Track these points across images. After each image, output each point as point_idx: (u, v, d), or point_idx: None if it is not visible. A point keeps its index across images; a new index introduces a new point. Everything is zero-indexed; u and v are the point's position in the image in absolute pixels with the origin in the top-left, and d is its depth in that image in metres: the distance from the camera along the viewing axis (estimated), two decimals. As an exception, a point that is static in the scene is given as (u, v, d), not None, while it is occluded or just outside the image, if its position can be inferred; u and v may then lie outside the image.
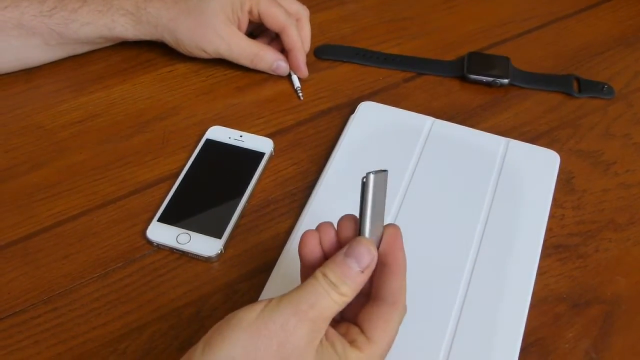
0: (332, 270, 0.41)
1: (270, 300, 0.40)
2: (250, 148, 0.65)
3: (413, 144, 0.65)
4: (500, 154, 0.64)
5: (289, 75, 0.73)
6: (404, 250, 0.44)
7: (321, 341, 0.40)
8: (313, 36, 0.74)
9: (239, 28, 0.71)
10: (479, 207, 0.60)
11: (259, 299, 0.54)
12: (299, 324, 0.39)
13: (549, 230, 0.59)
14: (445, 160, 0.63)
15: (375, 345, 0.42)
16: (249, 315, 0.39)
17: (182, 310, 0.54)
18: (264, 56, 0.71)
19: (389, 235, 0.43)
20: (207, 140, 0.66)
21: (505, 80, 0.72)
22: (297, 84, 0.72)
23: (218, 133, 0.66)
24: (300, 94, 0.72)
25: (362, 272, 0.41)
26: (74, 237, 0.59)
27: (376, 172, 0.41)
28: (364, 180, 0.41)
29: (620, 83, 0.74)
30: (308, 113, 0.70)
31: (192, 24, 0.69)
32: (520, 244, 0.57)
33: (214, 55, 0.72)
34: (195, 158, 0.64)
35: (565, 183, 0.64)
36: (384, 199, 0.42)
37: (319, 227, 0.45)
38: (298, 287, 0.41)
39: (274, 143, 0.66)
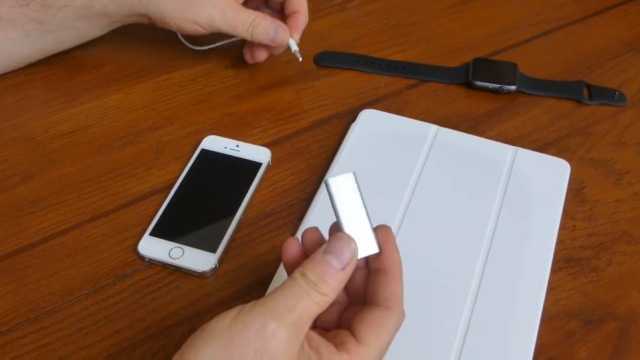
0: (311, 270, 0.39)
1: (244, 305, 0.38)
2: (247, 158, 0.63)
3: (417, 153, 0.63)
4: (507, 163, 0.62)
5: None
6: (398, 252, 0.42)
7: (302, 346, 0.38)
8: (313, 43, 0.73)
9: None
10: (486, 219, 0.58)
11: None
12: (278, 328, 0.37)
13: (559, 242, 0.57)
14: (450, 170, 0.62)
15: (366, 348, 0.39)
16: (221, 323, 0.38)
17: (174, 329, 0.52)
18: (261, 22, 0.66)
19: (381, 237, 0.42)
20: (202, 151, 0.64)
21: (513, 87, 0.71)
22: (294, 47, 0.69)
23: (214, 143, 0.65)
24: (299, 57, 0.69)
25: (343, 269, 0.39)
26: (62, 252, 0.57)
27: (336, 176, 0.41)
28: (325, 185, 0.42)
29: (632, 89, 0.72)
30: (307, 122, 0.69)
31: None
32: (530, 257, 0.55)
33: (206, 28, 0.66)
34: (189, 169, 0.62)
35: (576, 193, 0.62)
36: (359, 199, 0.42)
37: (302, 234, 0.43)
38: (274, 290, 0.39)
39: (272, 153, 0.64)
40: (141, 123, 0.68)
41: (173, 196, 0.60)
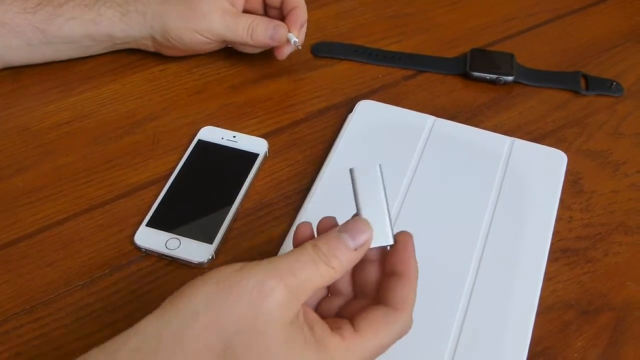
0: (325, 243, 0.39)
1: (248, 262, 0.38)
2: (244, 149, 0.63)
3: (414, 144, 0.63)
4: (504, 154, 0.62)
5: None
6: (415, 260, 0.41)
7: (297, 316, 0.38)
8: (310, 33, 0.72)
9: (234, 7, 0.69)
10: (483, 210, 0.57)
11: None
12: (277, 287, 0.36)
13: (556, 233, 0.57)
14: (447, 161, 0.61)
15: (362, 339, 0.39)
16: (224, 271, 0.37)
17: (171, 320, 0.52)
18: (259, 23, 0.67)
19: (399, 243, 0.42)
20: (199, 141, 0.64)
21: (510, 78, 0.70)
22: (293, 38, 0.68)
23: (210, 133, 0.64)
24: (299, 46, 0.68)
25: (355, 250, 0.39)
26: (58, 243, 0.57)
27: (362, 166, 0.41)
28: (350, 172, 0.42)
29: (629, 80, 0.72)
30: (304, 112, 0.68)
31: (183, 5, 0.67)
32: (526, 248, 0.55)
33: (207, 36, 0.68)
34: (186, 160, 0.62)
35: (572, 184, 0.61)
36: (381, 191, 0.41)
37: (318, 223, 0.43)
38: (282, 255, 0.39)
39: (269, 144, 0.64)
40: (138, 113, 0.68)
41: (170, 187, 0.60)
